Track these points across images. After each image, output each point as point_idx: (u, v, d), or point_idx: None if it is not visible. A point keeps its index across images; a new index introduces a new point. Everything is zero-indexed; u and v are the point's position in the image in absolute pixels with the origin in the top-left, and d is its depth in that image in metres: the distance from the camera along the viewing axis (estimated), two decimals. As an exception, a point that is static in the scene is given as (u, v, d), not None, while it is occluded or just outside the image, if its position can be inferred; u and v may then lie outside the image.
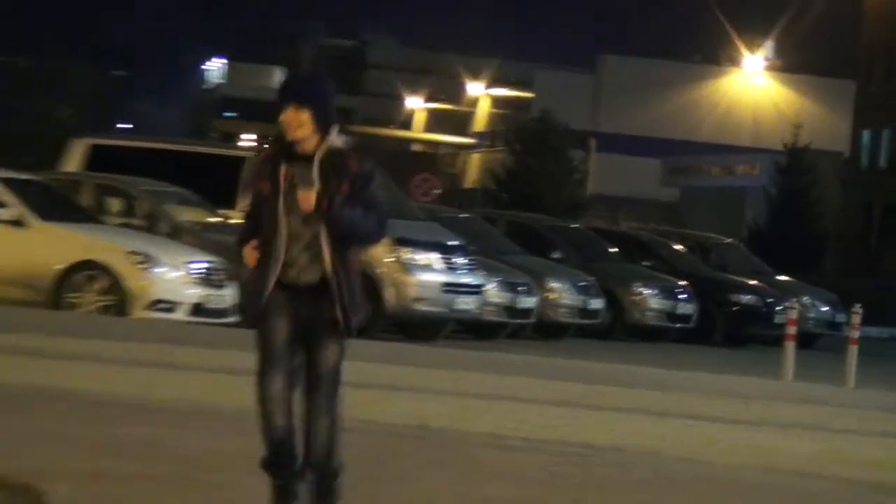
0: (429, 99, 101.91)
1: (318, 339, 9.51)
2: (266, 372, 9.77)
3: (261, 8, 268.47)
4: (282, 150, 8.96)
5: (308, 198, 8.79)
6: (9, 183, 33.87)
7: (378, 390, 21.83)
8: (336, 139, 9.16)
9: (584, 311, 40.87)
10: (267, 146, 11.23)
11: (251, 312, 9.52)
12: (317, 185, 8.84)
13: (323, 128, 8.82)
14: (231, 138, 71.63)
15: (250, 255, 9.21)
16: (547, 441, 17.73)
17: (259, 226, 9.33)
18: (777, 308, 42.84)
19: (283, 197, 8.94)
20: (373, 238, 9.57)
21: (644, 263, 45.49)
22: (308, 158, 8.32)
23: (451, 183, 78.33)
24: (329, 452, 9.84)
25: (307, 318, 9.22)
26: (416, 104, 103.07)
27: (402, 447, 16.38)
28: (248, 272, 9.71)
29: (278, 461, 9.83)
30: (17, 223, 32.32)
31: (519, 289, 37.64)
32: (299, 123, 8.64)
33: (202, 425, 16.85)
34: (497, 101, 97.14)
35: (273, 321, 9.32)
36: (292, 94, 8.86)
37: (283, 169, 8.93)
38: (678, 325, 43.99)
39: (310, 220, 8.97)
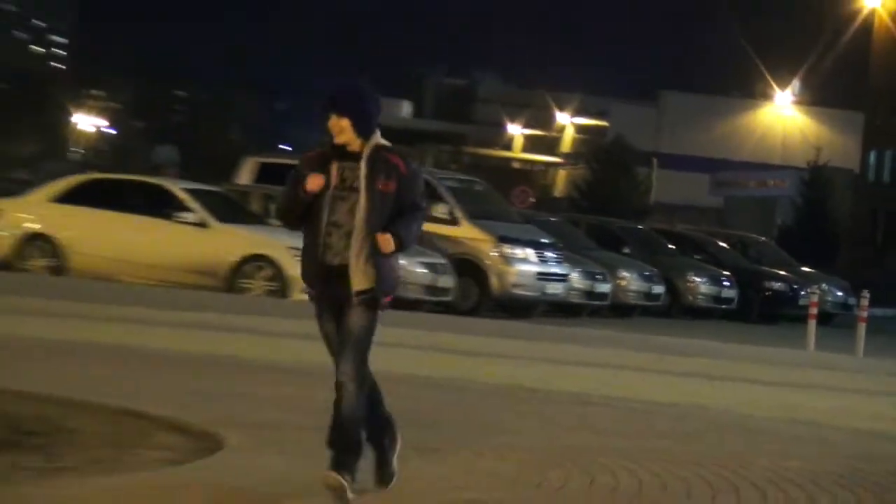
0: (525, 126, 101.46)
1: (345, 312, 9.23)
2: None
3: (393, 53, 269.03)
4: (333, 150, 8.83)
5: (387, 242, 8.68)
6: (194, 192, 33.96)
7: (484, 357, 22.62)
8: (382, 141, 9.05)
9: (649, 295, 40.77)
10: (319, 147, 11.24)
11: (309, 287, 9.32)
12: (363, 195, 8.70)
13: (363, 133, 8.74)
14: None
15: (313, 180, 8.89)
16: (619, 399, 17.87)
17: (298, 204, 9.09)
18: (801, 293, 42.67)
19: (332, 189, 8.80)
20: (415, 242, 9.59)
21: (696, 257, 44.94)
22: (357, 157, 8.32)
23: (543, 193, 78.35)
24: (352, 417, 9.47)
25: (339, 296, 9.00)
26: (515, 130, 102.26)
27: (502, 403, 16.64)
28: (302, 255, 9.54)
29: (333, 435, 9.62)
30: (200, 224, 32.32)
31: (597, 277, 37.31)
32: (340, 130, 8.59)
33: None
34: (579, 128, 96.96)
35: (323, 323, 9.27)
36: (333, 104, 8.80)
37: (335, 165, 8.81)
38: (723, 307, 42.73)
39: (353, 211, 8.77)
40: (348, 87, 8.86)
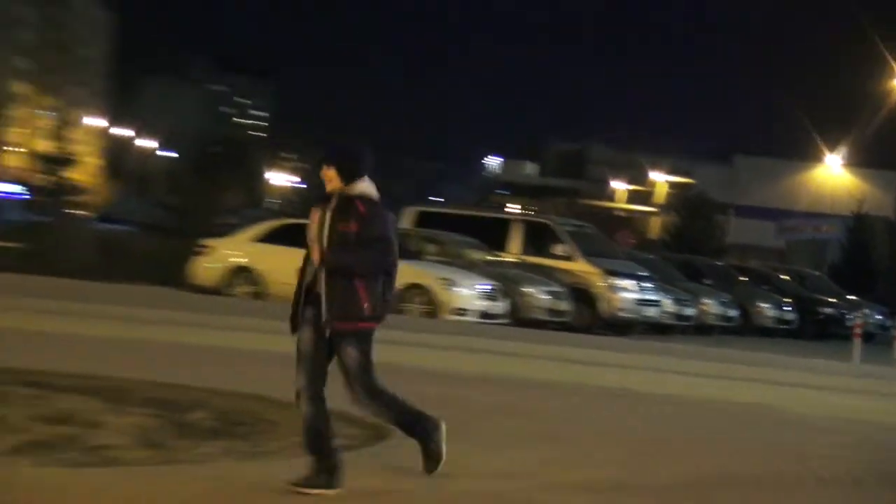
0: (626, 182, 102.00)
1: (335, 342, 9.05)
2: (296, 370, 9.38)
3: (522, 123, 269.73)
4: (323, 197, 8.75)
5: (315, 251, 8.65)
6: None
7: (595, 366, 22.32)
8: (357, 187, 8.78)
9: (725, 318, 39.41)
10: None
11: (292, 321, 9.04)
12: (326, 230, 8.58)
13: (346, 181, 8.54)
14: (502, 208, 72.28)
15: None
16: (703, 398, 17.98)
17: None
18: (848, 316, 42.46)
19: (316, 234, 8.74)
20: (378, 269, 8.95)
21: (763, 287, 44.28)
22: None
23: (641, 236, 78.05)
24: (308, 430, 9.18)
25: (318, 319, 8.77)
26: (618, 186, 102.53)
27: (609, 403, 16.69)
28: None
29: (308, 441, 9.32)
30: None
31: (684, 303, 37.17)
32: (329, 178, 8.46)
33: (483, 387, 17.00)
34: (670, 184, 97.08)
35: (302, 332, 8.96)
36: (324, 156, 8.72)
37: (317, 211, 8.72)
38: (784, 327, 41.95)
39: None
40: (337, 145, 8.71)
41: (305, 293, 9.13)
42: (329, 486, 8.64)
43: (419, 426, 9.65)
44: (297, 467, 9.69)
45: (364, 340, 8.96)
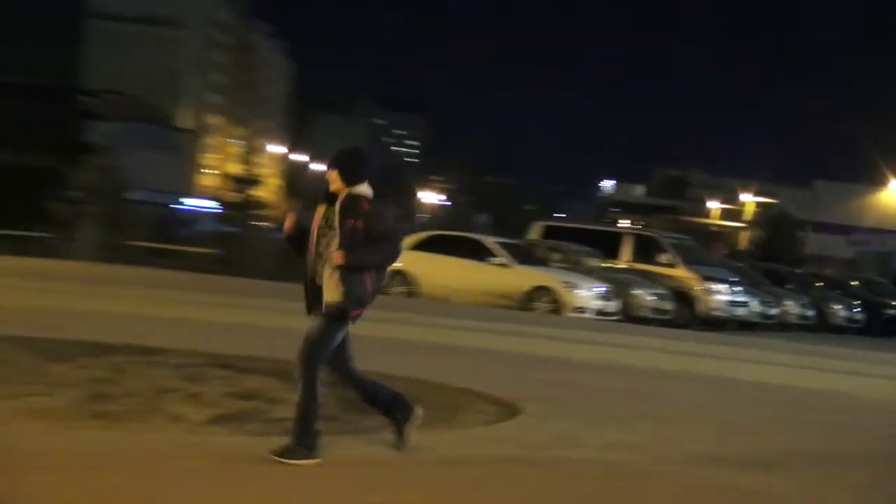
0: (720, 202, 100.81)
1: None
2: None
3: (632, 153, 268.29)
4: (326, 196, 8.26)
5: (336, 256, 8.00)
6: (501, 244, 33.00)
7: (692, 356, 22.16)
8: (359, 189, 8.34)
9: (804, 317, 38.31)
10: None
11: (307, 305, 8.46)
12: (336, 230, 8.10)
13: (347, 183, 8.11)
14: (615, 223, 71.60)
15: (287, 222, 8.50)
16: (786, 385, 17.72)
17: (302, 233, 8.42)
18: (910, 316, 42.43)
19: (318, 228, 8.24)
20: (386, 261, 8.57)
21: (836, 292, 43.26)
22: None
23: (732, 248, 77.23)
24: (300, 402, 8.44)
25: (320, 309, 8.23)
26: (713, 205, 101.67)
27: (705, 387, 16.54)
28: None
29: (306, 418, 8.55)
30: (504, 265, 31.46)
31: (768, 304, 36.59)
32: (332, 179, 8.07)
33: (599, 374, 16.74)
34: (757, 204, 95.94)
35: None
36: (330, 160, 8.29)
37: (320, 209, 8.29)
38: (854, 325, 40.91)
39: (331, 244, 8.12)
40: (342, 149, 8.35)
41: (309, 286, 8.66)
42: (310, 457, 8.12)
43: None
44: (445, 437, 9.95)
45: (345, 323, 8.43)
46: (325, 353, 8.39)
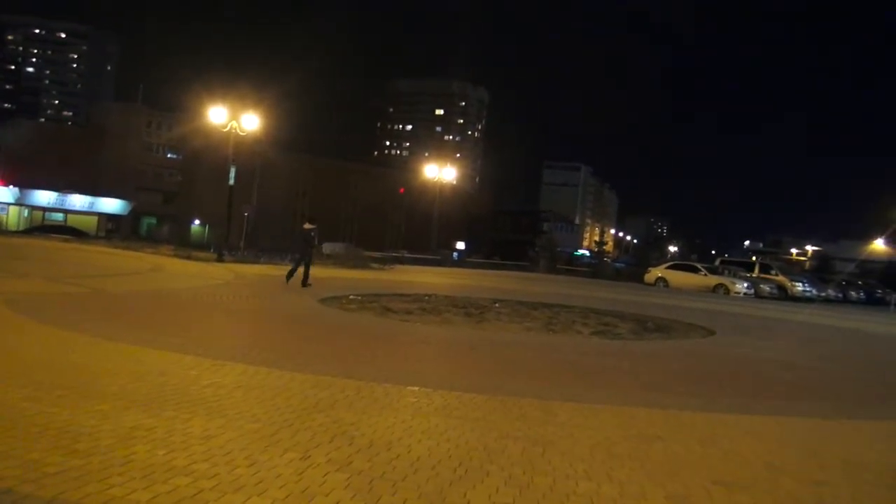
0: (794, 248, 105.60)
1: None
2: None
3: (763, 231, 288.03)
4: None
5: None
6: (704, 266, 40.81)
7: (789, 312, 26.34)
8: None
9: (836, 298, 43.89)
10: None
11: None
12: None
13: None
14: (751, 258, 65.02)
15: None
16: (828, 325, 20.28)
17: None
18: None
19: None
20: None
21: (852, 286, 48.70)
22: None
23: (801, 268, 76.76)
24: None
25: None
26: (793, 250, 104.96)
27: (798, 326, 19.16)
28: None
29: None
30: (705, 275, 39.46)
31: (821, 290, 42.82)
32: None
33: (751, 318, 20.58)
34: (813, 250, 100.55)
35: None
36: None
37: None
38: (861, 301, 45.04)
39: None
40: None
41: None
42: None
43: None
44: (679, 342, 13.30)
45: None
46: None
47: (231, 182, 34.38)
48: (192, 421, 6.65)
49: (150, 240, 55.13)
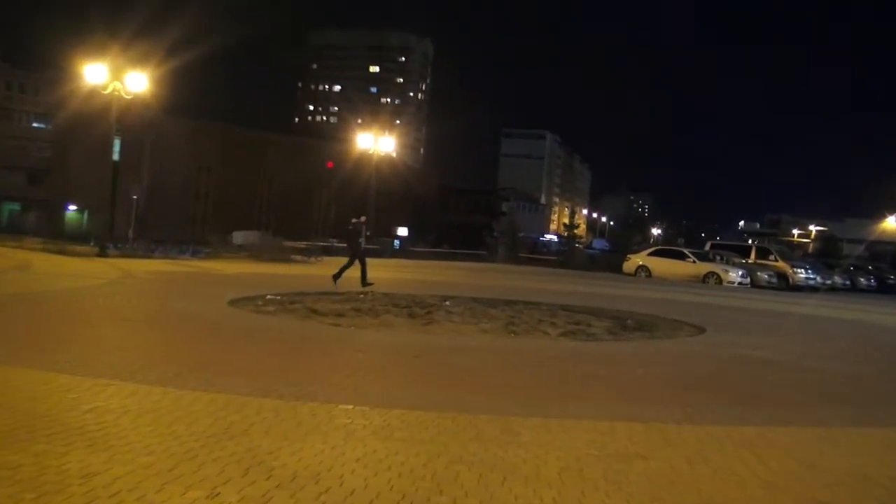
0: (798, 229, 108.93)
1: None
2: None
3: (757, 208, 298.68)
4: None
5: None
6: (692, 252, 42.08)
7: (788, 304, 27.14)
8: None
9: (843, 285, 46.71)
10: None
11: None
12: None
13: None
14: (747, 240, 71.55)
15: None
16: (830, 317, 21.43)
17: None
18: None
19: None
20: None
21: (860, 270, 51.88)
22: None
23: (805, 252, 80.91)
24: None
25: None
26: (795, 231, 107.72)
27: (798, 319, 20.20)
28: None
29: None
30: (693, 262, 40.72)
31: (825, 278, 44.72)
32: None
33: (746, 312, 21.63)
34: (817, 230, 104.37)
35: None
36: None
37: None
38: (870, 288, 48.40)
39: None
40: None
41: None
42: None
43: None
44: (664, 342, 14.09)
45: None
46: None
47: (115, 157, 33.73)
48: (69, 456, 6.33)
49: (13, 231, 53.97)
